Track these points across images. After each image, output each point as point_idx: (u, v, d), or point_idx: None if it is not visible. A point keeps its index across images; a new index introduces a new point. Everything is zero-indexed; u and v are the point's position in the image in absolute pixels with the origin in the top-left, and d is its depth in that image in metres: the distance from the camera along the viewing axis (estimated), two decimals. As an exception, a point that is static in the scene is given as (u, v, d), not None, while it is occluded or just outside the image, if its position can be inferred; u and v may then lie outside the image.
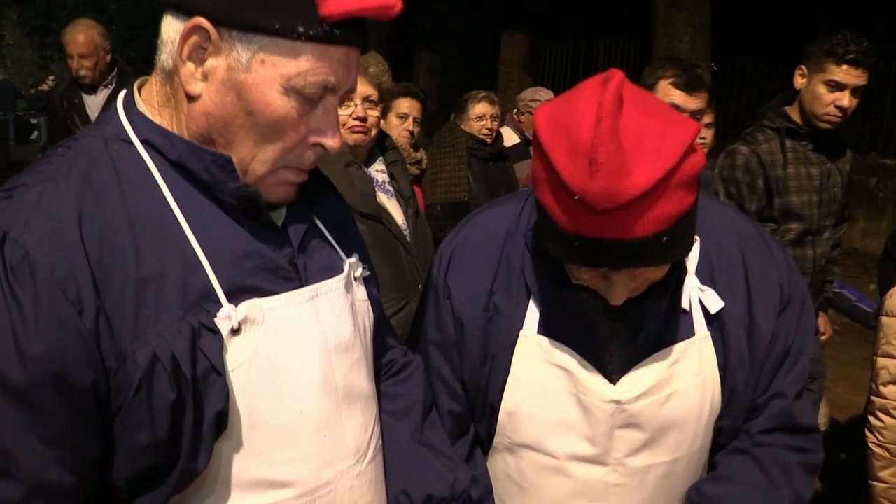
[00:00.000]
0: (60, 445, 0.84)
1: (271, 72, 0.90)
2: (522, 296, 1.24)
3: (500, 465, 1.34)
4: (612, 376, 1.20)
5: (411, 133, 3.63)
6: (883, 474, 2.03)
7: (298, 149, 0.98)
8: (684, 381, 1.21)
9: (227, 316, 0.92)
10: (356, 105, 2.38)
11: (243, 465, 0.96)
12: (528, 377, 1.23)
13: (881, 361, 2.04)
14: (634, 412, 1.20)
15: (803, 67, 2.65)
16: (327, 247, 1.11)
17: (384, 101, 2.58)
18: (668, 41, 6.32)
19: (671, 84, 2.26)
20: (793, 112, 2.71)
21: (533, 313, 1.23)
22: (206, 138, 0.95)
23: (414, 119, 3.60)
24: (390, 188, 2.57)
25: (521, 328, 1.23)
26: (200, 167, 0.94)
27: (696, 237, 1.20)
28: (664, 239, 1.01)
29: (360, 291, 1.17)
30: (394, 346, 1.36)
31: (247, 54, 0.90)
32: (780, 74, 8.36)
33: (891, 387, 2.01)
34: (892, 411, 2.01)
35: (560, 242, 1.07)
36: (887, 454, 2.03)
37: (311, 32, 0.90)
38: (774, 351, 1.26)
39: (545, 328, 1.22)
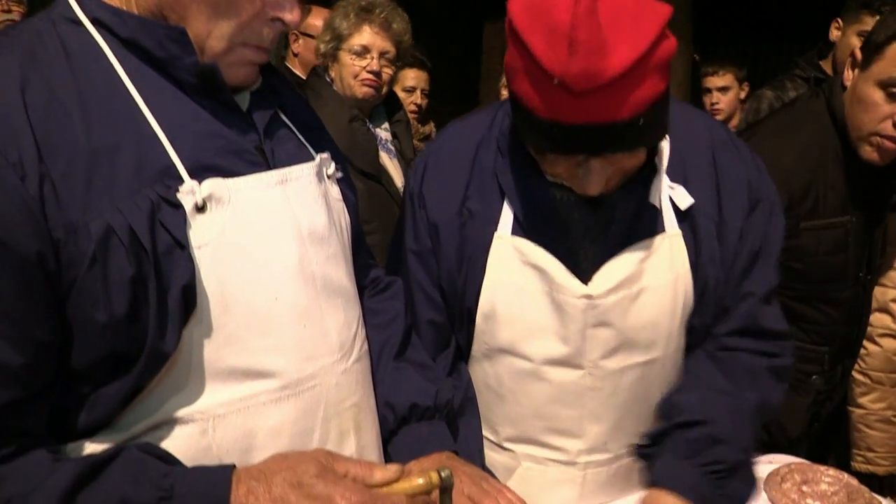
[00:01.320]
0: (5, 320, 0.78)
1: None
2: (496, 199, 1.23)
3: (478, 375, 1.33)
4: (585, 275, 1.19)
5: (419, 107, 3.40)
6: (862, 400, 2.04)
7: (256, 24, 0.92)
8: (655, 277, 1.21)
9: (189, 190, 0.86)
10: (372, 58, 2.31)
11: (217, 352, 0.90)
12: (504, 278, 1.22)
13: (876, 288, 2.02)
14: (606, 308, 1.19)
15: (839, 20, 2.60)
16: (295, 138, 1.06)
17: (400, 62, 2.47)
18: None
19: None
20: (826, 65, 2.68)
21: (507, 215, 1.22)
22: (157, 16, 0.89)
23: (422, 91, 3.38)
24: (392, 147, 2.51)
25: (495, 230, 1.22)
26: (154, 43, 0.88)
27: (667, 136, 1.19)
28: (640, 122, 1.00)
29: (335, 190, 1.11)
30: (375, 265, 1.33)
31: None
32: (762, 54, 8.40)
33: (876, 314, 2.01)
34: (876, 339, 2.01)
35: (538, 132, 1.05)
36: (868, 381, 2.03)
37: None
38: (744, 251, 1.25)
39: (519, 229, 1.21)
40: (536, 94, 1.02)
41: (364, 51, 2.35)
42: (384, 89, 2.43)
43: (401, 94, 3.33)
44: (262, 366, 0.93)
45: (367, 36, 2.35)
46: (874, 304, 2.06)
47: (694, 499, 1.14)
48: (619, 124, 1.00)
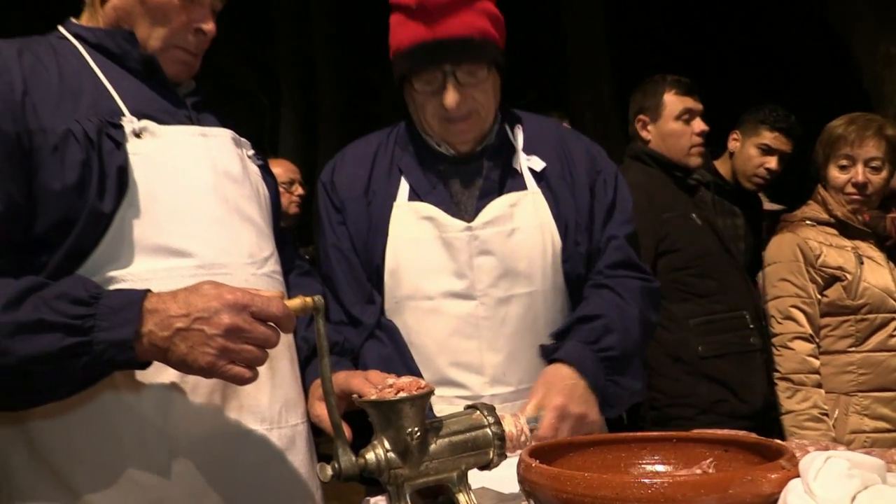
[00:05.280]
0: None
1: None
2: (395, 180, 1.54)
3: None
4: (468, 219, 1.48)
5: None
6: (789, 404, 2.12)
7: (182, 32, 1.29)
8: (524, 220, 1.47)
9: (130, 120, 1.20)
10: None
11: (145, 232, 1.17)
12: (404, 234, 1.48)
13: (771, 304, 2.24)
14: (486, 238, 1.45)
15: (737, 132, 2.98)
16: (219, 122, 1.37)
17: None
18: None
19: None
20: (720, 166, 3.04)
21: (403, 189, 1.52)
22: (115, 26, 1.28)
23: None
24: None
25: (394, 201, 1.52)
26: (113, 44, 1.26)
27: (522, 126, 1.57)
28: (476, 41, 1.40)
29: (254, 167, 1.39)
30: (301, 257, 1.60)
31: None
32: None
33: (785, 322, 2.17)
34: (788, 343, 2.16)
35: (407, 60, 1.43)
36: (791, 384, 2.13)
37: None
38: (599, 205, 1.53)
39: (414, 196, 1.51)
40: (403, 33, 1.42)
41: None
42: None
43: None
44: (182, 246, 1.20)
45: None
46: (780, 316, 2.22)
47: (588, 378, 1.32)
48: (461, 38, 1.39)
